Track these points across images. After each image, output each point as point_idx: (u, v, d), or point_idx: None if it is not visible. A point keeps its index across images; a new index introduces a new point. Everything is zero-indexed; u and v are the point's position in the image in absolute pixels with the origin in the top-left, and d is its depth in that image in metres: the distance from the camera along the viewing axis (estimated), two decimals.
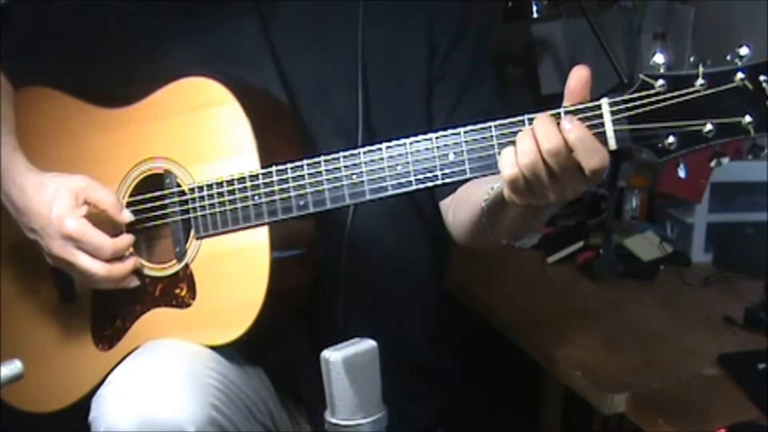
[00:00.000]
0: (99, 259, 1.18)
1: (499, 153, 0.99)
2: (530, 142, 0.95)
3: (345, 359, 0.89)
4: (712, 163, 0.95)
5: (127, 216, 1.22)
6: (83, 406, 1.18)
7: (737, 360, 1.42)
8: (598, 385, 1.38)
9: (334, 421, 0.90)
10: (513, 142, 0.98)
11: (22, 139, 1.26)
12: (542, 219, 1.13)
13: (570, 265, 1.99)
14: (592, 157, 0.94)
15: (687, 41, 2.26)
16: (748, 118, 0.90)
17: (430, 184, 1.04)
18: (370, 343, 0.91)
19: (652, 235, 2.02)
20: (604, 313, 1.71)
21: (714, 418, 1.25)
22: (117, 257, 1.20)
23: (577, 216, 2.17)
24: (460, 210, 1.26)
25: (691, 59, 0.93)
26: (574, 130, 0.94)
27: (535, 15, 2.48)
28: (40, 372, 1.28)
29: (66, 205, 1.18)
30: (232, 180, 1.16)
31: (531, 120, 0.98)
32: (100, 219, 1.20)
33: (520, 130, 0.98)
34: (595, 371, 1.42)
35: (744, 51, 0.90)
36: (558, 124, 0.95)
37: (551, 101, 0.98)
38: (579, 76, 0.97)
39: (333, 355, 0.89)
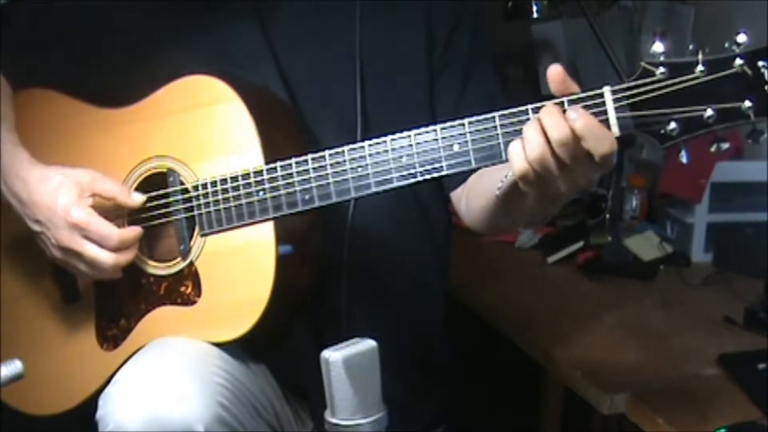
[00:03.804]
0: (106, 248, 1.18)
1: (504, 143, 1.00)
2: (538, 134, 0.95)
3: (345, 359, 0.89)
4: (713, 148, 0.96)
5: (137, 198, 1.22)
6: (86, 406, 1.18)
7: (737, 360, 1.43)
8: (598, 385, 1.38)
9: (334, 421, 0.91)
10: (517, 132, 0.99)
11: (24, 141, 1.25)
12: (559, 205, 1.12)
13: (570, 265, 1.99)
14: (602, 143, 0.94)
15: (687, 41, 2.26)
16: (747, 103, 0.91)
17: (435, 174, 1.05)
18: (370, 343, 0.91)
19: (652, 235, 2.02)
20: (604, 313, 1.71)
21: (714, 418, 1.25)
22: (124, 247, 1.20)
23: (577, 216, 2.17)
24: (473, 198, 1.26)
25: (690, 47, 0.94)
26: (580, 118, 0.94)
27: (535, 15, 2.48)
28: (43, 374, 1.28)
29: (71, 195, 1.18)
30: (236, 176, 1.17)
31: (534, 110, 0.99)
32: (106, 211, 1.20)
33: (523, 120, 0.99)
34: (595, 371, 1.43)
35: (742, 38, 0.92)
36: (564, 113, 0.95)
37: None
38: (556, 75, 0.98)
39: (333, 355, 0.89)
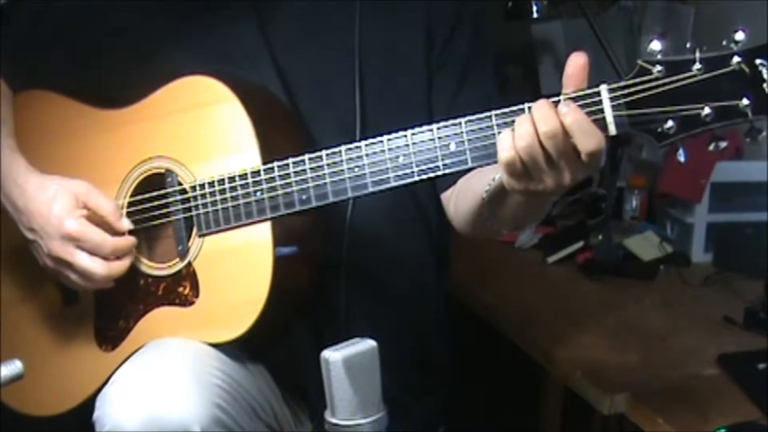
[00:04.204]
0: (98, 257, 1.18)
1: None
2: (528, 126, 0.96)
3: (345, 359, 0.89)
4: (711, 147, 0.96)
5: (125, 224, 1.23)
6: (85, 407, 1.18)
7: (737, 360, 1.43)
8: (598, 385, 1.38)
9: (334, 421, 0.91)
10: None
11: (23, 143, 1.26)
12: (544, 210, 1.13)
13: (570, 265, 1.99)
14: (589, 140, 0.94)
15: (687, 41, 2.26)
16: (745, 101, 0.91)
17: (432, 174, 1.05)
18: (370, 343, 0.91)
19: (652, 235, 2.02)
20: (604, 313, 1.72)
21: (714, 418, 1.25)
22: (117, 256, 1.20)
23: (577, 216, 2.17)
24: (461, 201, 1.27)
25: (688, 45, 0.94)
26: (570, 113, 0.95)
27: (535, 15, 2.48)
28: (43, 375, 1.28)
29: (66, 206, 1.18)
30: (234, 176, 1.17)
31: (531, 108, 0.99)
32: (100, 222, 1.20)
33: None
34: (595, 371, 1.43)
35: (740, 36, 0.92)
36: (556, 108, 0.96)
37: None
38: (577, 62, 0.98)
39: (333, 355, 0.89)
